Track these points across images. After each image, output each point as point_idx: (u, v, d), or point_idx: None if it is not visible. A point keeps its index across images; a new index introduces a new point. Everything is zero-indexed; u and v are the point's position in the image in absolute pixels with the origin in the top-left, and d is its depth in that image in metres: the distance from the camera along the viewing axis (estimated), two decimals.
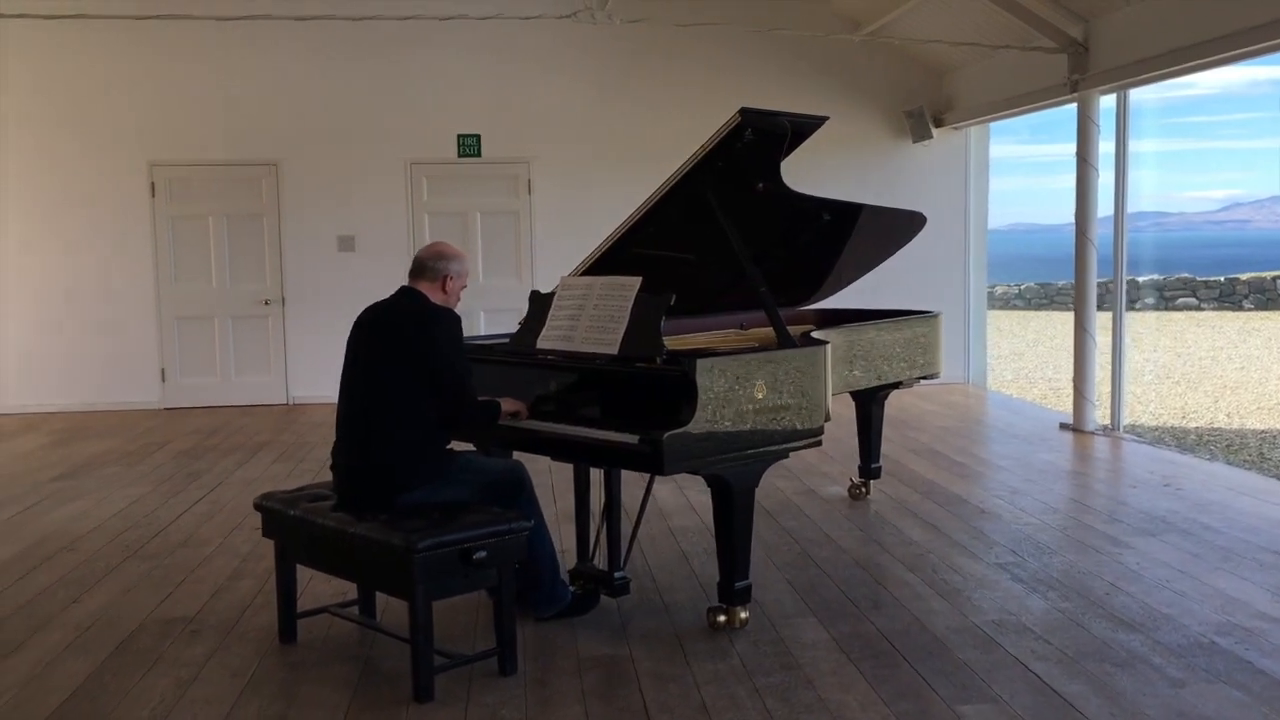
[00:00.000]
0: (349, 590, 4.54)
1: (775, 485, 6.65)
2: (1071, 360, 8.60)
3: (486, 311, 10.07)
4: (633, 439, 3.96)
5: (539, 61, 10.33)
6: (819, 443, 4.43)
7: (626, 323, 4.33)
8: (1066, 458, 7.44)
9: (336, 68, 10.16)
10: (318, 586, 4.78)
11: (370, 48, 10.08)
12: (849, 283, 6.36)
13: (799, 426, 4.31)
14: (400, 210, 10.32)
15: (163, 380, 10.26)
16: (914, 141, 10.68)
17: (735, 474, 4.14)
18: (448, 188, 10.38)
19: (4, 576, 5.09)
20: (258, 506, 4.24)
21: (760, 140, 4.59)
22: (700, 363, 4.00)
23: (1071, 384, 8.56)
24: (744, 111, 4.42)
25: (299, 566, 4.20)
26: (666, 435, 3.89)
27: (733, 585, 4.24)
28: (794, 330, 5.32)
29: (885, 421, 8.45)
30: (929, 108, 10.52)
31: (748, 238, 4.94)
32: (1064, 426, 8.46)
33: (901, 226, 6.18)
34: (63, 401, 10.11)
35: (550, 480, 6.58)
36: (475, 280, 10.23)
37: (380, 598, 4.44)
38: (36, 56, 9.90)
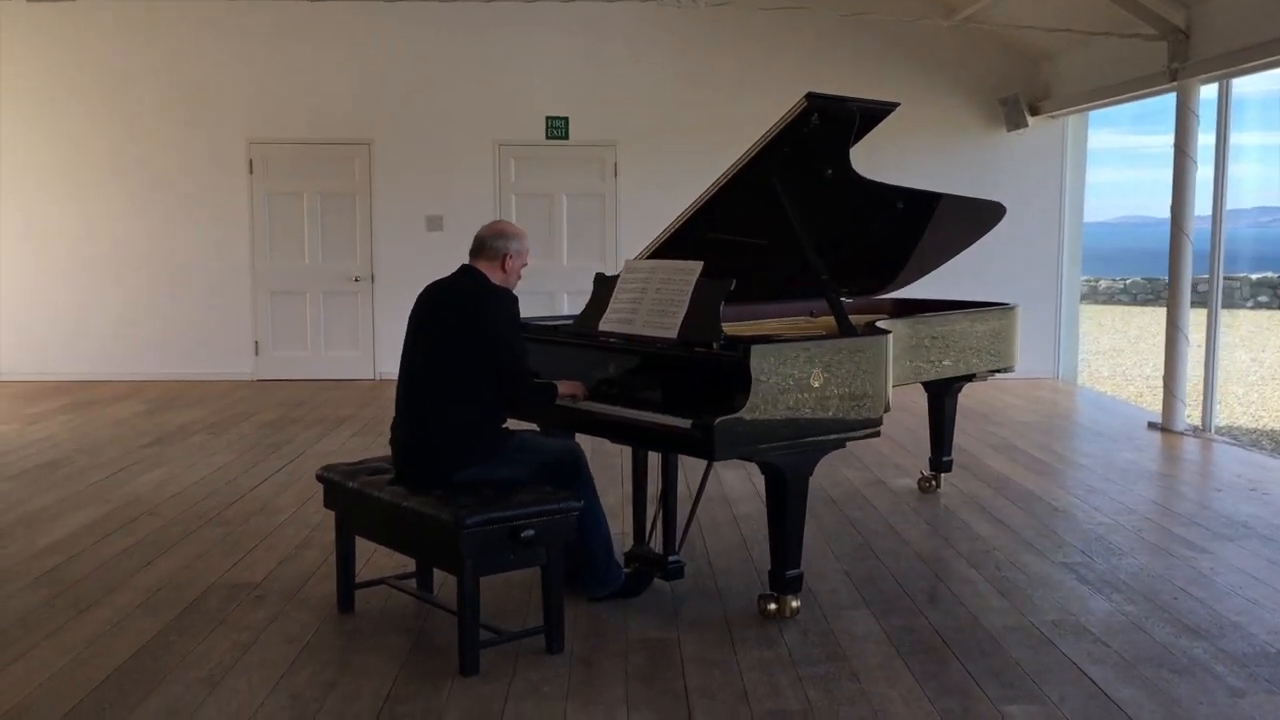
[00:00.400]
0: (410, 564, 4.62)
1: (844, 475, 6.60)
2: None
3: (570, 294, 10.11)
4: (685, 423, 3.96)
5: (626, 44, 10.34)
6: (878, 433, 4.38)
7: (686, 307, 4.33)
8: (1151, 458, 7.23)
9: (428, 48, 10.30)
10: (381, 560, 4.87)
11: (461, 28, 10.20)
12: (926, 272, 6.25)
13: (857, 416, 4.26)
14: (488, 191, 10.44)
15: (256, 353, 10.55)
16: (1008, 130, 10.44)
17: (789, 462, 4.11)
18: (535, 169, 10.46)
19: (86, 538, 5.29)
20: (319, 478, 4.35)
21: (827, 126, 4.54)
22: (755, 349, 3.98)
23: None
24: (810, 96, 4.38)
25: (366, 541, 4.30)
26: (718, 420, 3.88)
27: (784, 574, 4.22)
28: (866, 319, 5.27)
29: (964, 414, 8.35)
30: (1024, 95, 10.26)
31: (814, 224, 4.89)
32: (1152, 426, 8.21)
33: (981, 216, 6.04)
34: (160, 370, 10.46)
35: (620, 463, 6.60)
36: (559, 262, 10.33)
37: (438, 572, 4.51)
38: (142, 36, 10.22)
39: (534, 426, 4.78)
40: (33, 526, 5.47)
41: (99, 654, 3.88)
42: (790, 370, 4.05)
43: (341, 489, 4.20)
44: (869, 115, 4.68)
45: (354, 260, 10.51)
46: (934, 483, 6.26)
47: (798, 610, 4.25)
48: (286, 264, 10.50)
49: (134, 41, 10.24)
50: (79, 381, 10.26)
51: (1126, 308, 25.69)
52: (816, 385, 4.13)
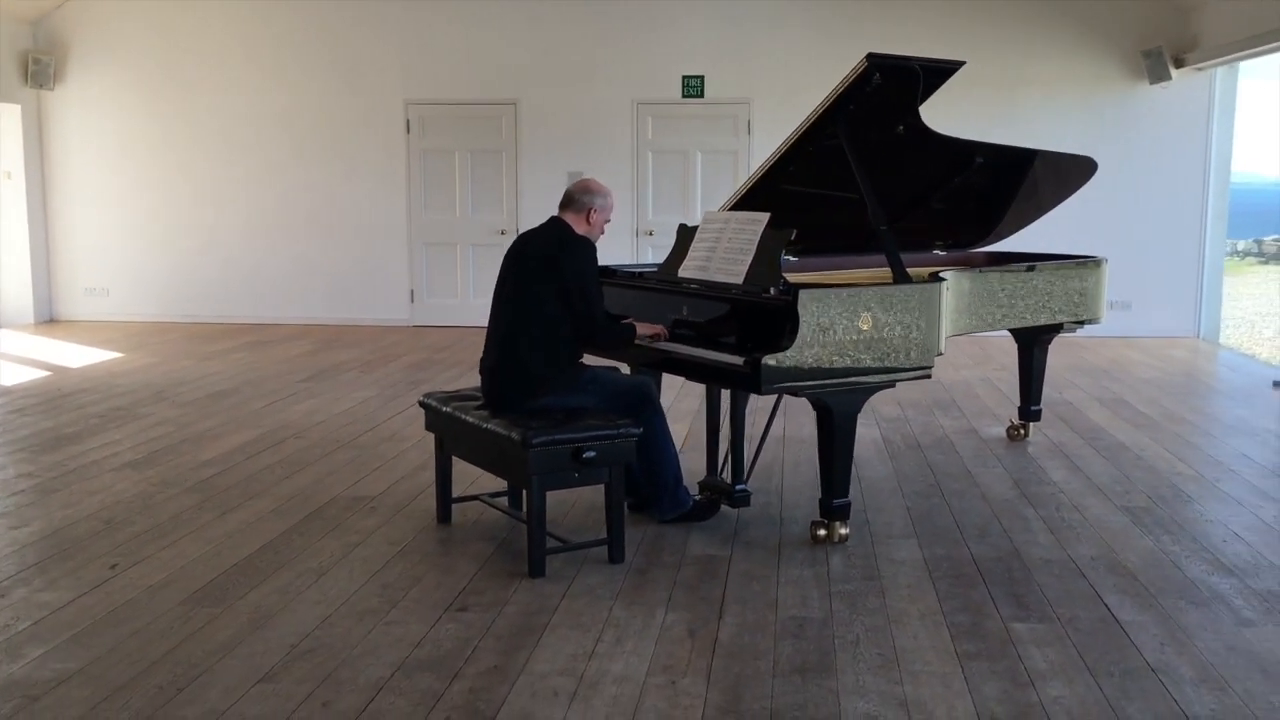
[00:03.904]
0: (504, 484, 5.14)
1: (938, 422, 6.83)
2: None
3: None
4: (739, 360, 4.35)
5: (761, 2, 10.59)
6: (928, 375, 4.66)
7: (754, 255, 4.69)
8: (1262, 415, 7.17)
9: (570, 12, 10.80)
10: (485, 481, 5.41)
11: None
12: (1022, 226, 6.39)
13: (905, 359, 4.55)
14: (626, 148, 10.90)
15: (411, 300, 11.35)
16: (1151, 83, 10.24)
17: (836, 399, 4.45)
18: (671, 127, 10.86)
19: (240, 454, 6.04)
20: (420, 404, 4.92)
21: (892, 84, 4.80)
22: (804, 293, 4.32)
23: None
24: (870, 56, 4.65)
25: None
26: (766, 358, 4.25)
27: (832, 502, 4.57)
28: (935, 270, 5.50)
29: (1084, 369, 8.48)
30: (1169, 47, 10.06)
31: (889, 180, 5.18)
32: (1278, 385, 8.09)
33: (1073, 171, 6.14)
34: (327, 315, 11.37)
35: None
36: (692, 217, 10.69)
37: None
38: (306, 7, 11.05)
39: (615, 364, 5.22)
40: (196, 444, 6.26)
41: (232, 547, 4.55)
42: (838, 314, 4.37)
43: (438, 413, 4.76)
44: (933, 73, 4.90)
45: (500, 214, 11.15)
46: (1022, 431, 6.43)
47: (846, 537, 4.60)
48: (439, 218, 11.24)
49: (299, 12, 11.07)
50: (256, 324, 11.27)
51: None
52: (865, 328, 4.45)
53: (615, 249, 10.35)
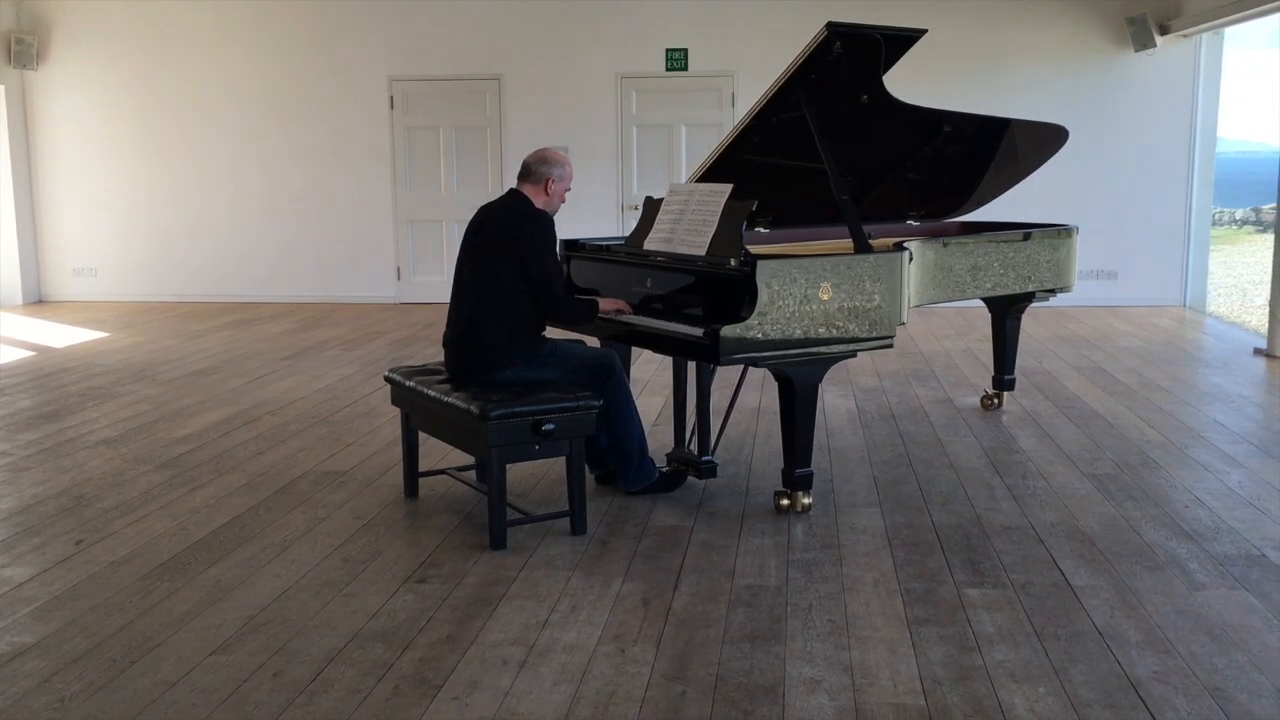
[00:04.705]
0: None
1: (914, 392, 6.85)
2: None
3: None
4: (699, 332, 4.36)
5: None
6: (890, 345, 4.67)
7: (716, 226, 4.69)
8: (1240, 382, 7.18)
9: None
10: (456, 457, 5.44)
11: None
12: (993, 197, 6.38)
13: (866, 330, 4.56)
14: (610, 122, 10.88)
15: (398, 277, 11.35)
16: (1136, 51, 10.19)
17: (796, 370, 4.46)
18: (655, 101, 10.83)
19: (214, 430, 6.07)
20: (386, 378, 4.94)
21: (853, 54, 4.79)
22: (762, 264, 4.32)
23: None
24: (830, 25, 4.64)
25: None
26: (724, 329, 4.26)
27: (794, 472, 4.58)
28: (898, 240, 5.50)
29: (1066, 339, 8.49)
30: (1153, 14, 10.00)
31: (855, 149, 5.17)
32: (1258, 352, 8.09)
33: (1046, 140, 6.13)
34: (315, 294, 11.38)
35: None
36: None
37: None
38: None
39: (581, 337, 5.24)
40: (172, 421, 6.29)
41: (198, 522, 4.58)
42: (798, 285, 4.38)
43: (402, 387, 4.78)
44: (894, 41, 4.89)
45: (486, 190, 11.12)
46: (996, 400, 6.44)
47: (809, 506, 4.62)
48: (424, 194, 11.23)
49: None
50: (243, 303, 11.29)
51: None
52: (825, 299, 4.45)
53: (600, 223, 10.37)
